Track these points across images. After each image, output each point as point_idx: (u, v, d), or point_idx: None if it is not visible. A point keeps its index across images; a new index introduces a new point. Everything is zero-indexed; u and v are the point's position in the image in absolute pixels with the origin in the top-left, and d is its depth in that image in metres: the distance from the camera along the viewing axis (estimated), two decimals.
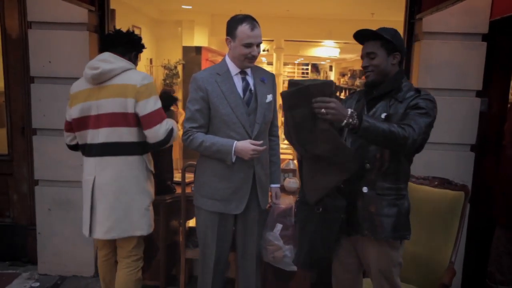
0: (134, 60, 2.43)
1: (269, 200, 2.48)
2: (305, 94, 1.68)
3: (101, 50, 2.38)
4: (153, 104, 2.28)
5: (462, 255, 3.07)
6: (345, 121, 1.69)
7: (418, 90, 1.94)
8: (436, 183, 2.49)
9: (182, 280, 2.87)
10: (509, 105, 3.01)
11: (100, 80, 2.25)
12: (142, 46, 2.44)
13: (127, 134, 2.27)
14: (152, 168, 2.43)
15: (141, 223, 2.34)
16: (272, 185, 2.48)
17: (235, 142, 2.19)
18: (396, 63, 1.96)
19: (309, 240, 2.07)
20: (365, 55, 1.97)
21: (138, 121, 2.29)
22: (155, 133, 2.27)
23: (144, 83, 2.26)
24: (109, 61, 2.25)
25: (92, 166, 2.30)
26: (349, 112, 1.69)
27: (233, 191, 2.28)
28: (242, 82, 2.28)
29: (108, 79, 2.25)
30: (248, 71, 2.31)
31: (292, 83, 1.78)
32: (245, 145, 2.17)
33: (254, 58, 2.22)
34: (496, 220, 2.86)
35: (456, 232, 2.36)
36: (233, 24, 2.19)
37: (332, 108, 1.66)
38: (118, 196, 2.28)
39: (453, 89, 2.99)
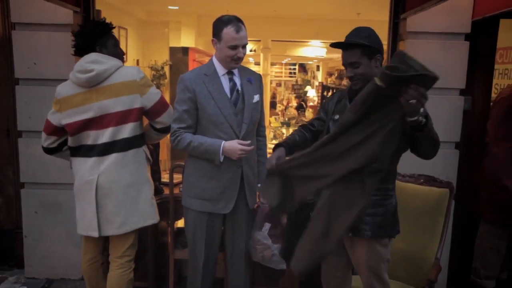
0: (112, 48, 2.34)
1: (257, 200, 2.49)
2: (409, 79, 1.58)
3: (80, 50, 2.32)
4: (156, 93, 2.34)
5: (448, 251, 3.11)
6: (415, 117, 1.65)
7: None
8: (421, 180, 2.53)
9: (171, 281, 2.87)
10: (491, 103, 3.06)
11: (95, 82, 2.22)
12: (108, 27, 2.35)
13: (133, 129, 2.29)
14: (150, 157, 2.45)
15: (150, 212, 2.37)
16: (260, 185, 2.49)
17: (223, 142, 2.20)
18: (379, 65, 1.96)
19: (287, 237, 2.18)
20: (347, 65, 1.95)
21: (141, 114, 2.33)
22: (165, 119, 2.35)
23: (142, 76, 2.29)
24: (100, 61, 2.23)
25: (92, 166, 2.27)
26: (422, 110, 1.65)
27: (221, 191, 2.29)
28: (229, 82, 2.29)
29: (104, 80, 2.23)
30: (235, 71, 2.32)
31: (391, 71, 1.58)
32: (233, 145, 2.18)
33: (239, 59, 2.23)
34: (481, 216, 2.90)
35: (441, 228, 2.40)
36: (218, 26, 2.20)
37: (420, 102, 1.59)
38: (125, 191, 2.28)
39: (437, 88, 3.00)
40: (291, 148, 2.08)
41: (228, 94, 2.27)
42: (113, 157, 2.26)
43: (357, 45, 1.89)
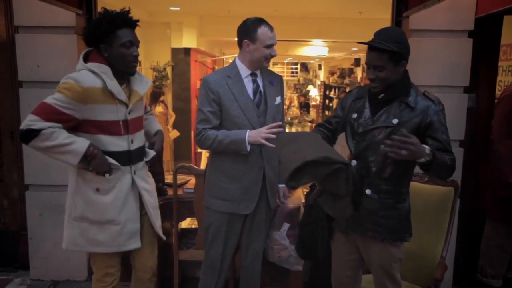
0: (111, 52, 2.08)
1: (277, 200, 2.50)
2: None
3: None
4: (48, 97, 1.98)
5: (453, 250, 3.10)
6: (423, 159, 1.71)
7: (425, 95, 1.91)
8: (426, 179, 2.51)
9: (176, 282, 2.87)
10: (496, 101, 3.05)
11: None
12: (98, 34, 2.05)
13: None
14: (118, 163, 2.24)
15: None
16: (280, 185, 2.49)
17: (248, 130, 2.20)
18: (403, 70, 1.91)
19: (300, 232, 2.17)
20: (372, 67, 1.87)
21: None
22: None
23: (62, 81, 1.98)
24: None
25: None
26: (427, 151, 1.71)
27: (243, 192, 2.30)
28: (253, 84, 2.31)
29: None
30: (258, 73, 2.33)
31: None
32: (258, 129, 2.19)
33: (272, 58, 2.27)
34: (486, 215, 2.89)
35: (446, 227, 2.40)
36: (250, 27, 2.21)
37: (413, 144, 1.64)
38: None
39: (441, 86, 3.02)
40: None
41: (251, 96, 2.28)
42: None
43: (385, 50, 1.81)
